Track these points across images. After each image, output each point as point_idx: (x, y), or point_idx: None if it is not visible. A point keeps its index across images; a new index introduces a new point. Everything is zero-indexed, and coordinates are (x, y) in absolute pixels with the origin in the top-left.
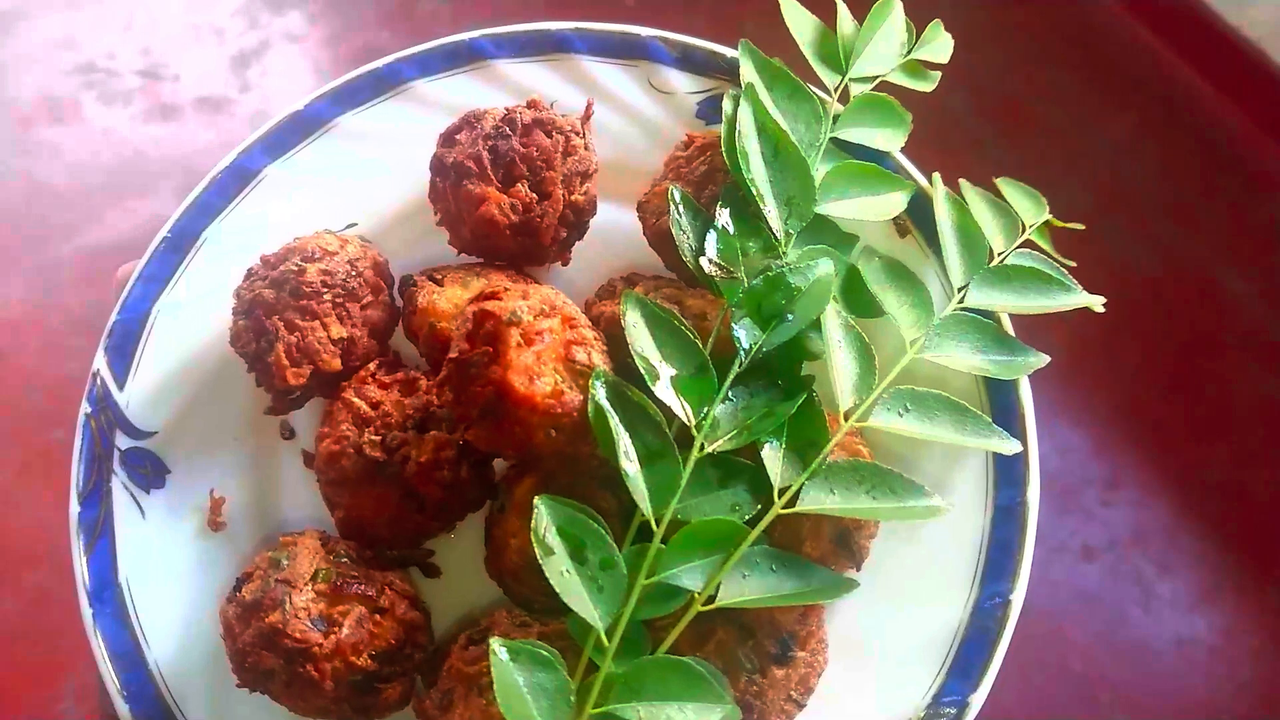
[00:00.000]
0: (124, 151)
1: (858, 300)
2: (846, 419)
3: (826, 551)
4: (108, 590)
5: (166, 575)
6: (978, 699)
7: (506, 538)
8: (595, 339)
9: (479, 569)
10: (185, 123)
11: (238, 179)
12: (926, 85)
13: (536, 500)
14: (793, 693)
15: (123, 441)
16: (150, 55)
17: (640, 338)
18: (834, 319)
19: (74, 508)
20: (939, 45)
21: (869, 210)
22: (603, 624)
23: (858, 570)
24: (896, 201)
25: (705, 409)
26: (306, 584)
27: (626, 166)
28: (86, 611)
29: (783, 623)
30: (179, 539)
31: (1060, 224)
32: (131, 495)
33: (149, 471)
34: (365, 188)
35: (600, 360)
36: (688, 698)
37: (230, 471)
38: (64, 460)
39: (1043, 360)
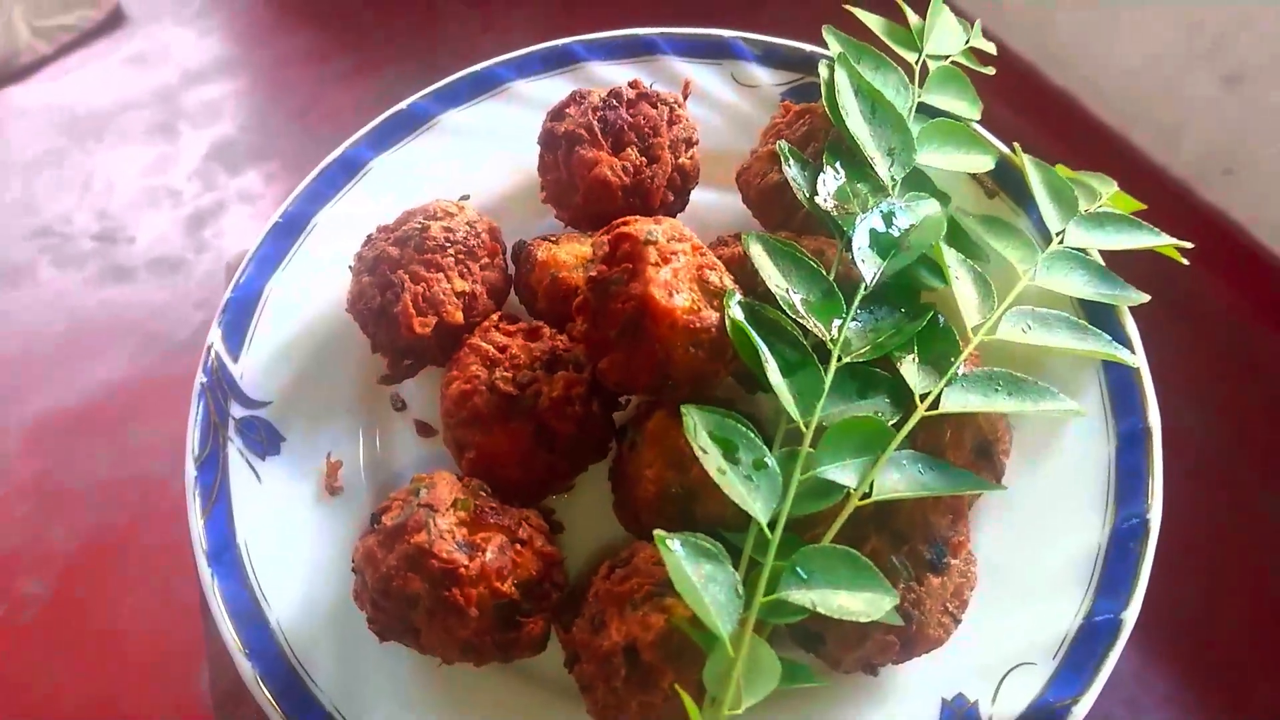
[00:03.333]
0: (77, 315)
1: (961, 246)
2: (975, 334)
3: (967, 462)
4: (227, 552)
5: (284, 538)
6: (1130, 615)
7: (641, 470)
8: (722, 266)
9: (600, 524)
10: (139, 284)
11: (345, 170)
12: (987, 70)
13: (685, 408)
14: (949, 604)
15: (237, 410)
16: (106, 218)
17: (766, 266)
18: (950, 252)
19: (190, 471)
20: (986, 43)
21: (961, 164)
22: (765, 517)
23: (997, 482)
24: (985, 161)
25: (837, 326)
26: (449, 509)
27: (717, 153)
28: (205, 571)
29: (936, 528)
30: (296, 503)
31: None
32: (247, 461)
33: (264, 439)
34: (469, 174)
35: (730, 284)
36: (857, 586)
37: (344, 439)
38: None
39: (1143, 297)
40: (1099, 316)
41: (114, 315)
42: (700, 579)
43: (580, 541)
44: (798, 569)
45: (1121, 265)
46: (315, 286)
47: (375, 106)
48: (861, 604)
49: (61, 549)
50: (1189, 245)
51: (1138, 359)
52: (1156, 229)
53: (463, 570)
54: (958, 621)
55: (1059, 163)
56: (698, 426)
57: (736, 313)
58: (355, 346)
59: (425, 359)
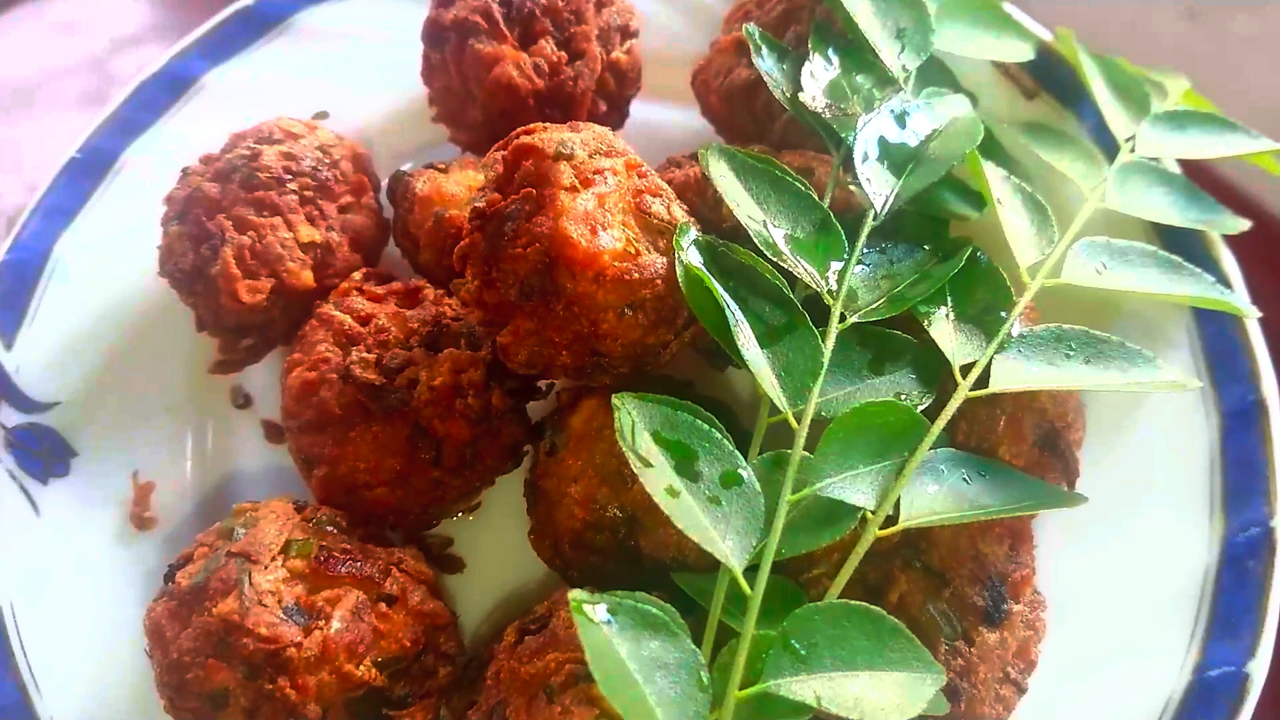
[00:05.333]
0: None
1: (998, 162)
2: (1032, 277)
3: (1031, 459)
4: None
5: (70, 596)
6: (1260, 666)
7: (564, 487)
8: (671, 192)
9: (518, 555)
10: None
11: (168, 89)
12: None
13: (619, 400)
14: (1010, 668)
15: (9, 417)
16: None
17: (734, 190)
18: (990, 166)
19: None
20: None
21: (992, 50)
22: (740, 561)
23: (1071, 485)
24: (1022, 49)
25: (837, 271)
26: (274, 559)
27: (668, 55)
28: None
29: (989, 562)
30: (89, 542)
31: None
32: (21, 487)
33: (47, 455)
34: (334, 89)
35: (683, 215)
36: (882, 663)
37: (162, 452)
38: None
39: (1243, 223)
40: (1183, 252)
41: None
42: (643, 665)
43: (489, 582)
44: (792, 642)
45: None
46: (123, 249)
47: None
48: (893, 692)
49: None
50: None
51: (1248, 307)
52: (1250, 130)
53: (293, 651)
54: (1022, 691)
55: None
56: (636, 426)
57: (692, 256)
58: (180, 323)
59: (268, 337)
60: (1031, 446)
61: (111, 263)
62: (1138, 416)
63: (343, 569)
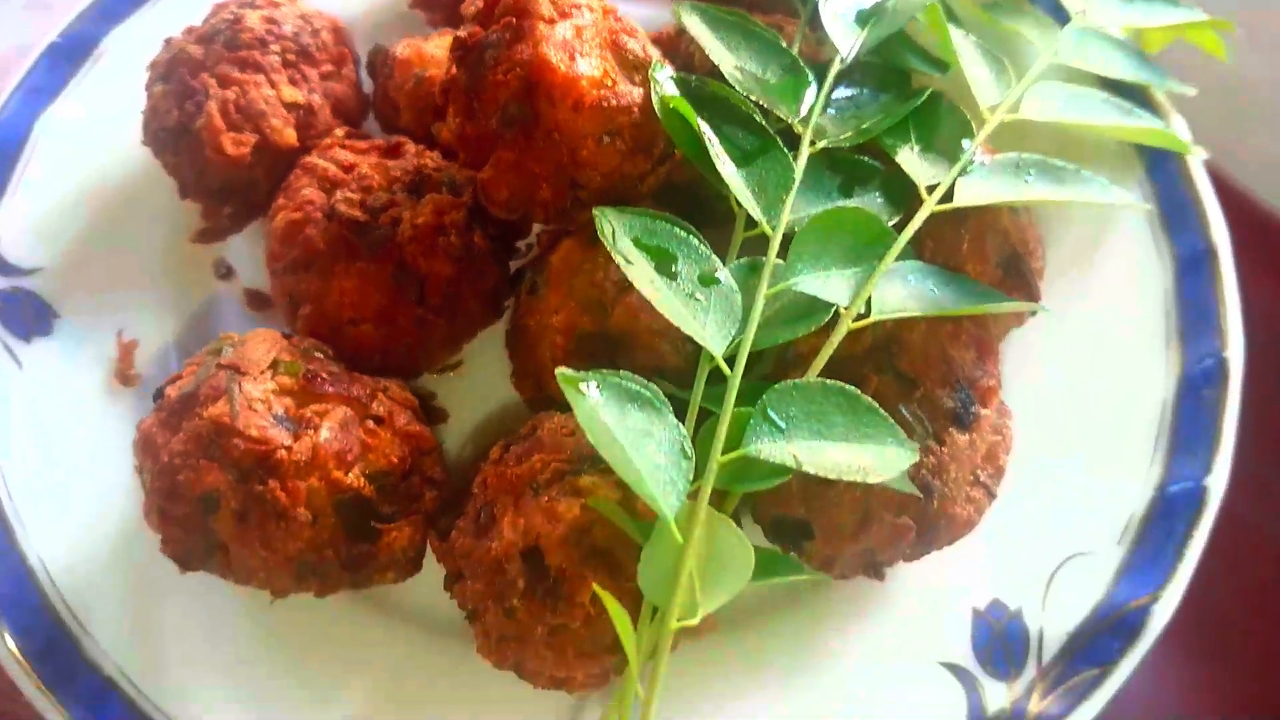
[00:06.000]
0: None
1: (958, 23)
2: (992, 113)
3: (993, 279)
4: None
5: (54, 445)
6: (1216, 480)
7: (547, 318)
8: (645, 35)
9: (500, 408)
10: None
11: None
12: None
13: (599, 211)
14: (980, 472)
15: None
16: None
17: (708, 41)
18: (952, 27)
19: None
20: None
21: None
22: (719, 347)
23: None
24: None
25: (808, 106)
26: (263, 373)
27: None
28: None
29: (958, 367)
30: (71, 398)
31: None
32: (4, 345)
33: (29, 317)
34: None
35: (657, 54)
36: (857, 437)
37: (147, 316)
38: None
39: (1188, 89)
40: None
41: None
42: (630, 434)
43: (472, 436)
44: (771, 413)
45: None
46: (106, 124)
47: None
48: (867, 459)
49: None
50: (1231, 28)
51: (1195, 148)
52: (1193, 5)
53: (283, 454)
54: (992, 496)
55: None
56: (617, 232)
57: (668, 87)
58: (161, 196)
59: (251, 202)
60: (994, 267)
61: (93, 139)
62: (1098, 264)
63: (330, 389)
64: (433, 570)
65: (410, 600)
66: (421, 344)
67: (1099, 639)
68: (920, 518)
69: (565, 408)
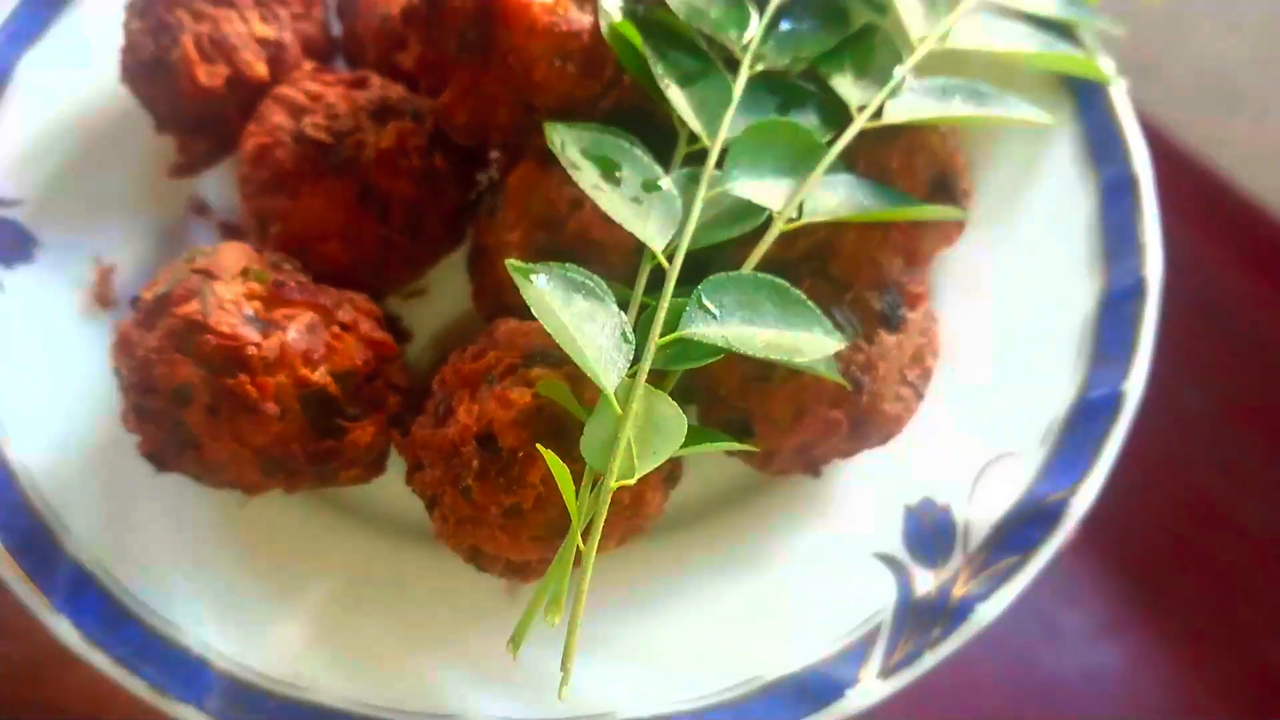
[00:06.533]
0: None
1: None
2: (920, 43)
3: (921, 195)
4: None
5: (35, 360)
6: (1132, 387)
7: (503, 236)
8: None
9: (462, 328)
10: None
11: None
12: None
13: (550, 125)
14: (907, 373)
15: None
16: None
17: None
18: None
19: None
20: None
21: None
22: (659, 243)
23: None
24: None
25: (750, 35)
26: (235, 279)
27: None
28: None
29: (886, 271)
30: (52, 319)
31: None
32: None
33: (13, 244)
34: None
35: None
36: (787, 324)
37: (123, 242)
38: None
39: (1116, 27)
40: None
41: None
42: (574, 317)
43: (434, 354)
44: (705, 301)
45: None
46: (86, 67)
47: None
48: (796, 343)
49: None
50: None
51: (1117, 81)
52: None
53: (252, 350)
54: (920, 396)
55: None
56: (565, 143)
57: (615, 13)
58: (138, 133)
59: (225, 139)
60: (923, 185)
61: (72, 80)
62: (1026, 189)
63: (298, 295)
64: (397, 476)
65: (374, 504)
66: (386, 262)
67: (1020, 529)
68: (852, 412)
69: (521, 315)
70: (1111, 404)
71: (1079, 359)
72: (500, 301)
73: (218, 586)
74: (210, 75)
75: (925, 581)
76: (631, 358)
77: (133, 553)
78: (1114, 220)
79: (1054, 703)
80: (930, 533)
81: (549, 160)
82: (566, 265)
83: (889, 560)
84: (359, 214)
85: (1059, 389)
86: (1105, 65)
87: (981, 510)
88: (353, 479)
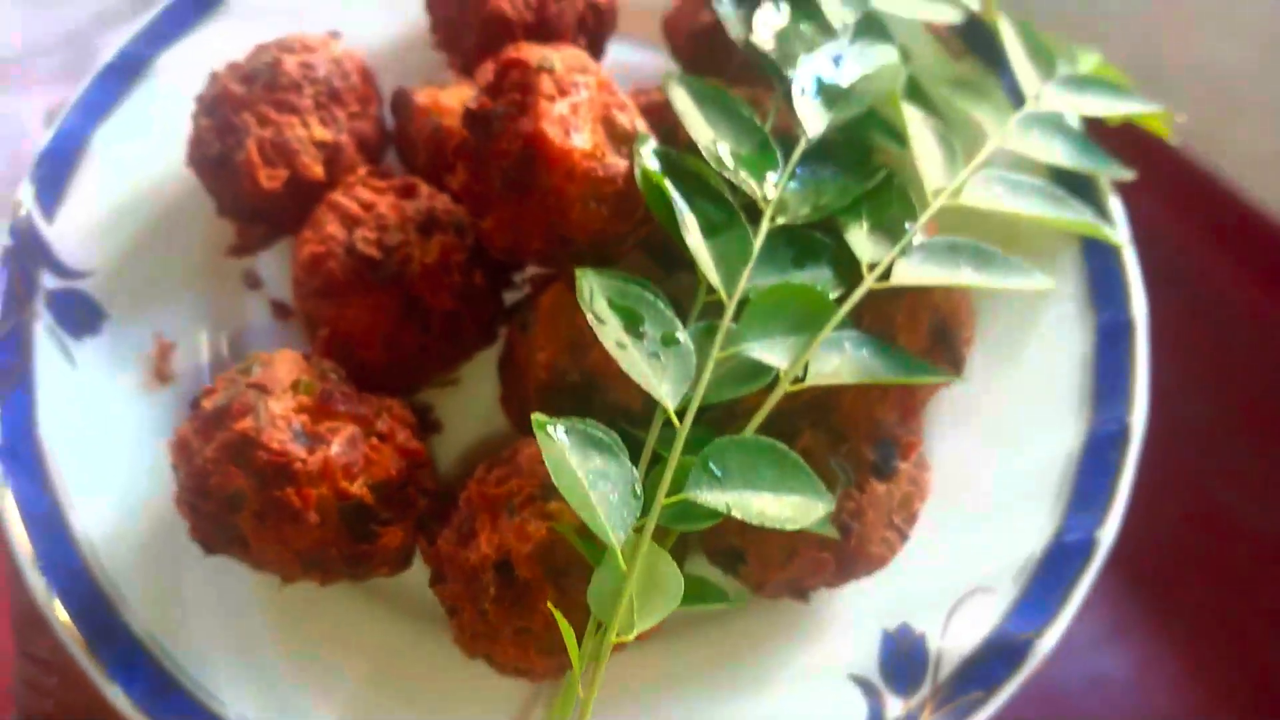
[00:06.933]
0: None
1: (922, 105)
2: (935, 198)
3: (923, 347)
4: (24, 445)
5: (99, 433)
6: (1106, 534)
7: (533, 353)
8: (635, 109)
9: (489, 426)
10: None
11: (196, 5)
12: None
13: (580, 272)
14: (894, 517)
15: (50, 281)
16: (19, 166)
17: (690, 113)
18: (909, 107)
19: None
20: None
21: (924, 11)
22: (673, 402)
23: (958, 374)
24: (950, 12)
25: (773, 183)
26: (285, 392)
27: (641, 5)
28: None
29: (882, 425)
30: (116, 393)
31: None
32: (59, 341)
33: (82, 316)
34: (346, 12)
35: (644, 129)
36: (784, 488)
37: (183, 321)
38: None
39: (1127, 173)
40: (1079, 195)
41: None
42: (589, 475)
43: (462, 446)
44: (710, 465)
45: None
46: (155, 141)
47: None
48: (789, 509)
49: None
50: (1182, 117)
51: (1122, 237)
52: (1143, 97)
53: (299, 465)
54: (905, 538)
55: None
56: (594, 291)
57: (649, 161)
58: (200, 212)
59: (280, 225)
60: (925, 336)
61: (143, 153)
62: (1027, 331)
63: (341, 407)
64: (422, 570)
65: (402, 591)
66: (423, 363)
67: (987, 665)
68: (839, 553)
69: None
70: (1084, 549)
71: (1059, 500)
72: (526, 411)
73: (258, 664)
74: (270, 178)
75: (895, 708)
76: (639, 513)
77: (182, 626)
78: (1107, 364)
79: (1059, 708)
80: (905, 660)
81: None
82: (587, 421)
83: (863, 683)
84: (401, 324)
85: (1037, 528)
86: (1117, 215)
87: (954, 641)
88: (382, 574)
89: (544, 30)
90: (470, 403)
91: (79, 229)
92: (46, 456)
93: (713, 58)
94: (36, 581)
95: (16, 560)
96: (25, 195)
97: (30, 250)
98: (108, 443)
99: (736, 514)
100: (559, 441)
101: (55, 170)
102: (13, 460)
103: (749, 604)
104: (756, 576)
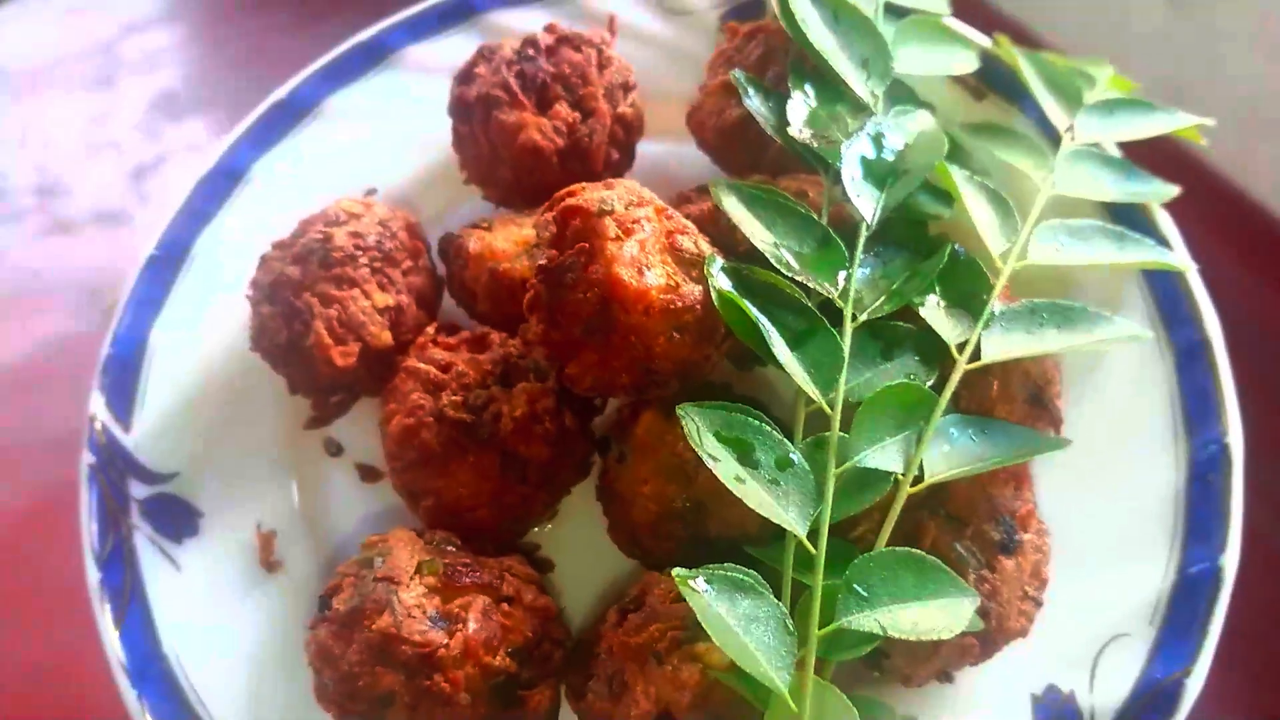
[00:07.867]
0: (19, 270)
1: (960, 162)
2: (1004, 262)
3: (1022, 414)
4: (152, 665)
5: (219, 634)
6: (1230, 559)
7: (636, 487)
8: (694, 228)
9: (594, 551)
10: (83, 238)
11: (223, 182)
12: None
13: (683, 409)
14: (1027, 588)
15: (139, 490)
16: (46, 172)
17: (745, 219)
18: (955, 170)
19: (92, 575)
20: None
21: (945, 66)
22: (803, 528)
23: (1057, 431)
24: (968, 59)
25: (843, 279)
26: (412, 578)
27: (657, 97)
28: (130, 695)
29: (999, 502)
30: (227, 589)
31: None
32: (161, 549)
33: (177, 519)
34: (372, 165)
35: (708, 247)
36: (927, 595)
37: (274, 502)
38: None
39: (1172, 189)
40: (1128, 221)
41: (60, 269)
42: (739, 620)
43: (575, 577)
44: (855, 587)
45: None
46: (209, 326)
47: (320, 53)
48: (939, 616)
49: (8, 506)
50: (1211, 123)
51: (1186, 261)
52: (1170, 107)
53: (442, 651)
54: (1040, 605)
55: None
56: (701, 430)
57: (722, 281)
58: (269, 388)
59: (356, 391)
60: (1021, 404)
61: (201, 343)
62: (1105, 367)
63: (467, 579)
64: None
65: None
66: (527, 514)
67: (1141, 715)
68: (982, 635)
69: (663, 565)
70: (1211, 579)
71: (1174, 533)
72: (636, 539)
73: None
74: (344, 356)
75: None
76: (795, 649)
77: None
78: (1190, 386)
79: None
80: None
81: (671, 410)
82: (726, 565)
83: None
84: (502, 481)
85: (1158, 565)
86: (1175, 242)
87: (1104, 696)
88: None
89: (576, 152)
90: (573, 535)
91: (156, 431)
92: (175, 671)
93: (746, 149)
94: None
95: None
96: (97, 407)
97: (114, 462)
98: (229, 642)
99: (893, 634)
100: (703, 595)
101: (121, 375)
102: (145, 683)
103: (892, 691)
104: (904, 671)
